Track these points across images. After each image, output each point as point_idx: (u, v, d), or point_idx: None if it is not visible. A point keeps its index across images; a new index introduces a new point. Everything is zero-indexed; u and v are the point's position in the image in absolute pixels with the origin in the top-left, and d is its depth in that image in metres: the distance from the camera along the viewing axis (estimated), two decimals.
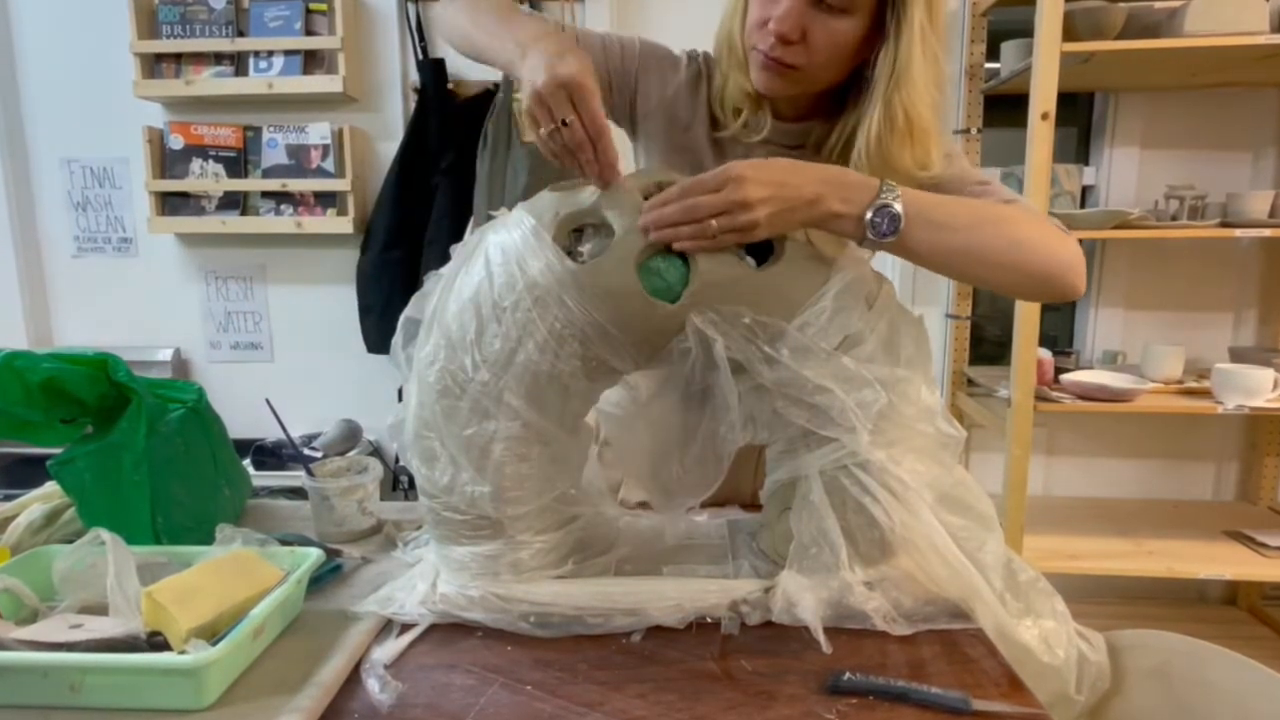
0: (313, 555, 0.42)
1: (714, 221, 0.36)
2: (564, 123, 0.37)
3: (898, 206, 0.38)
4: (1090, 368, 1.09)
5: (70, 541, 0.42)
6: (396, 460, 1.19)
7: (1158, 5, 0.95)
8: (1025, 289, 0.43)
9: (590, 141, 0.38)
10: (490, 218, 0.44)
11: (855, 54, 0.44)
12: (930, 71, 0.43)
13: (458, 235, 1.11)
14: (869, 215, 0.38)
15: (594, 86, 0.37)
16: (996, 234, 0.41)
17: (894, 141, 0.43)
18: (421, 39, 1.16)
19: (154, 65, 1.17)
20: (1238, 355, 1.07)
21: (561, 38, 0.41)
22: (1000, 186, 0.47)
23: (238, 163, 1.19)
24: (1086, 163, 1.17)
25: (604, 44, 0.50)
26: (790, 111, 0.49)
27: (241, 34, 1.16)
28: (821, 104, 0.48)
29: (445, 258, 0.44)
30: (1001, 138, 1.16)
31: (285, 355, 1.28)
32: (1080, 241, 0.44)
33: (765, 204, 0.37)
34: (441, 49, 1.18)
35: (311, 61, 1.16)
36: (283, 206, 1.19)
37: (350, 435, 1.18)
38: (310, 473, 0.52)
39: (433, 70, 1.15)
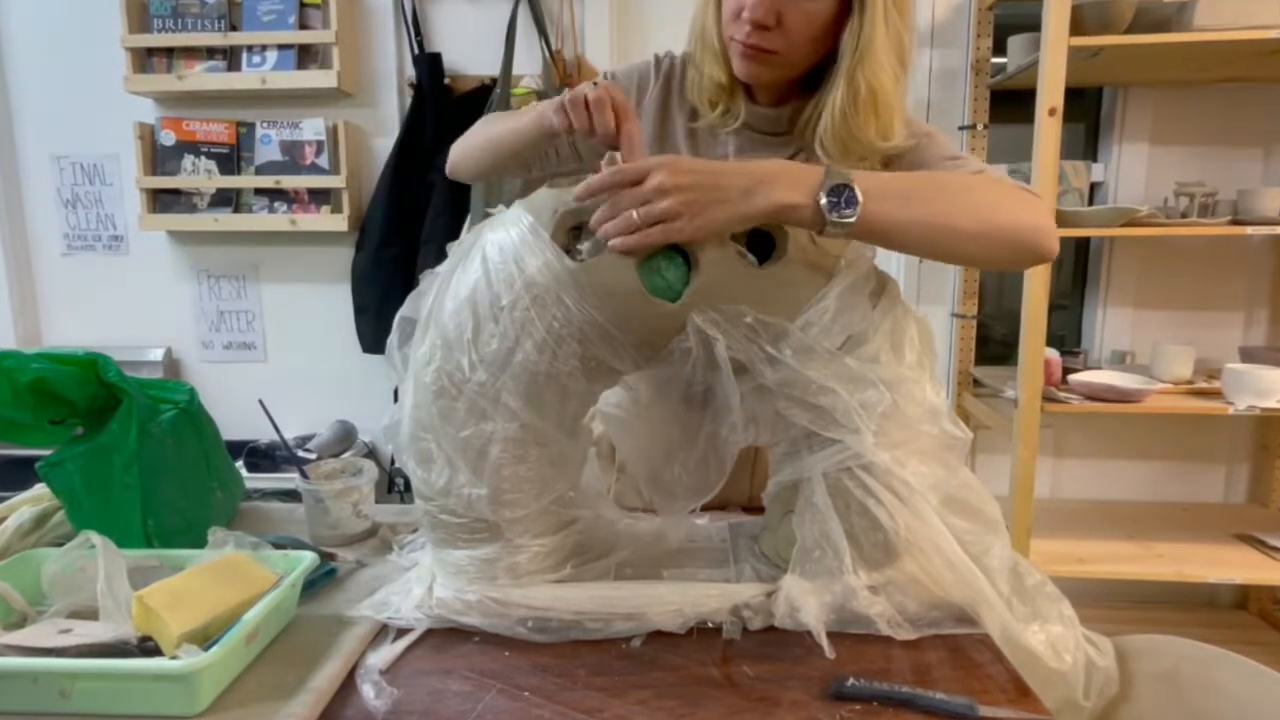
0: (307, 559, 0.42)
1: (635, 212, 0.36)
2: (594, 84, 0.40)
3: (852, 184, 0.37)
4: (1098, 368, 1.08)
5: (60, 545, 0.41)
6: (392, 462, 1.19)
7: None
8: (998, 257, 0.42)
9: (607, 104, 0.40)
10: (487, 215, 0.44)
11: (828, 33, 0.45)
12: (893, 46, 0.44)
13: (454, 233, 1.11)
14: (823, 198, 0.37)
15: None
16: (961, 202, 0.40)
17: (858, 115, 0.44)
18: (417, 33, 1.16)
19: (145, 60, 1.16)
20: (1248, 355, 1.05)
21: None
22: (972, 160, 0.48)
23: (230, 159, 1.18)
24: (1095, 159, 1.16)
25: None
26: (767, 97, 0.50)
27: (234, 28, 1.15)
28: (797, 87, 0.48)
29: (442, 256, 0.44)
30: (1008, 134, 1.14)
31: (279, 355, 1.28)
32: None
33: (682, 191, 0.36)
34: (438, 44, 1.17)
35: (305, 56, 1.15)
36: (276, 204, 1.18)
37: (345, 437, 1.17)
38: (304, 475, 0.52)
39: (429, 65, 1.14)
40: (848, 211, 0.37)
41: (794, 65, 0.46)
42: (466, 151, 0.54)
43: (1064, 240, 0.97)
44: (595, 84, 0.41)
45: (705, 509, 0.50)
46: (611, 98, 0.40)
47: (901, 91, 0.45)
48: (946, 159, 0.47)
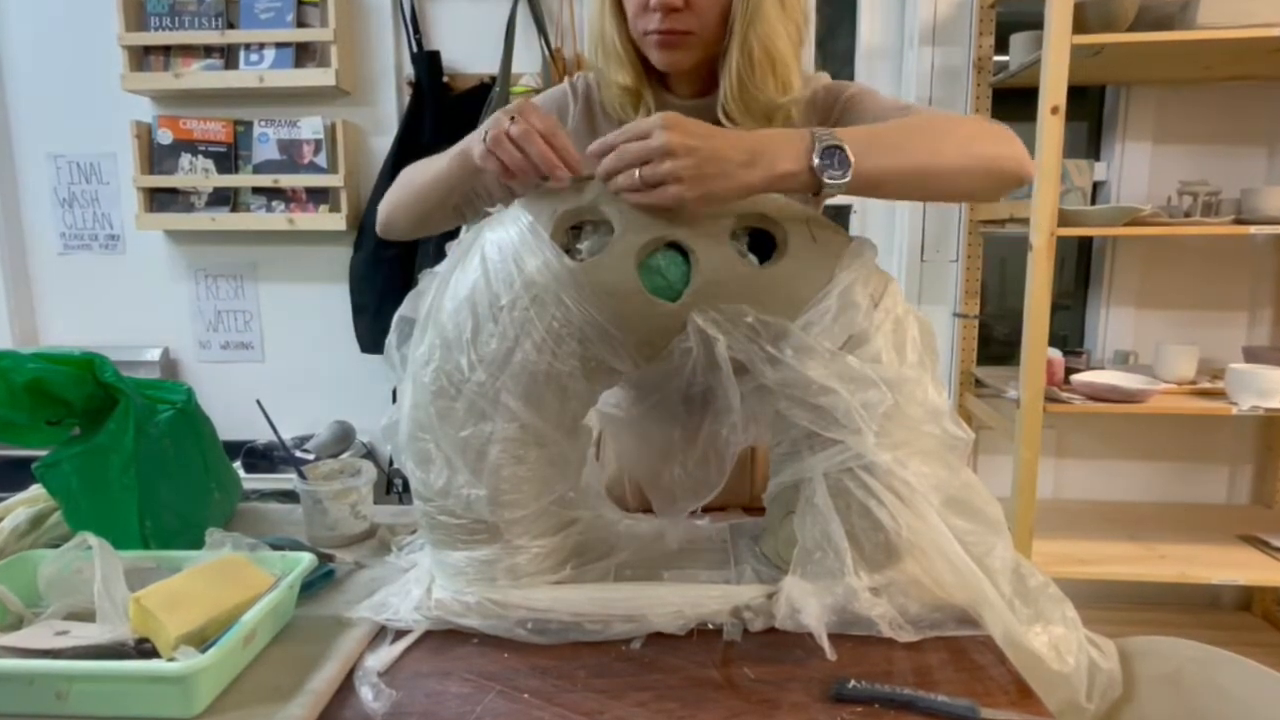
0: (305, 560, 0.41)
1: (638, 171, 0.36)
2: (511, 119, 0.38)
3: (842, 144, 0.38)
4: (1101, 368, 1.07)
5: (56, 546, 0.41)
6: (390, 463, 1.18)
7: None
8: (981, 187, 0.43)
9: (540, 135, 0.38)
10: (487, 214, 0.43)
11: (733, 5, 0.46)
12: (784, 7, 0.45)
13: (453, 232, 1.09)
14: (816, 160, 0.37)
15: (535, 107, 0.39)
16: (941, 143, 0.41)
17: (754, 75, 0.45)
18: (416, 31, 1.15)
19: (142, 58, 1.16)
20: (1252, 355, 1.05)
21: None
22: (922, 107, 0.49)
23: (228, 158, 1.17)
24: (1097, 158, 1.15)
25: None
26: (689, 89, 0.50)
27: (232, 26, 1.14)
28: (714, 75, 0.48)
29: (440, 255, 0.43)
30: None
31: (277, 355, 1.27)
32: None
33: (688, 154, 0.35)
34: (437, 42, 1.17)
35: (303, 54, 1.15)
36: (274, 203, 1.18)
37: (343, 437, 1.17)
38: (302, 475, 0.52)
39: (427, 63, 1.14)
40: (840, 171, 0.37)
41: (709, 44, 0.46)
42: (395, 209, 0.51)
43: (1067, 240, 0.97)
44: (512, 118, 0.38)
45: (706, 510, 0.50)
46: (535, 126, 0.38)
47: (798, 50, 0.46)
48: (897, 109, 0.47)
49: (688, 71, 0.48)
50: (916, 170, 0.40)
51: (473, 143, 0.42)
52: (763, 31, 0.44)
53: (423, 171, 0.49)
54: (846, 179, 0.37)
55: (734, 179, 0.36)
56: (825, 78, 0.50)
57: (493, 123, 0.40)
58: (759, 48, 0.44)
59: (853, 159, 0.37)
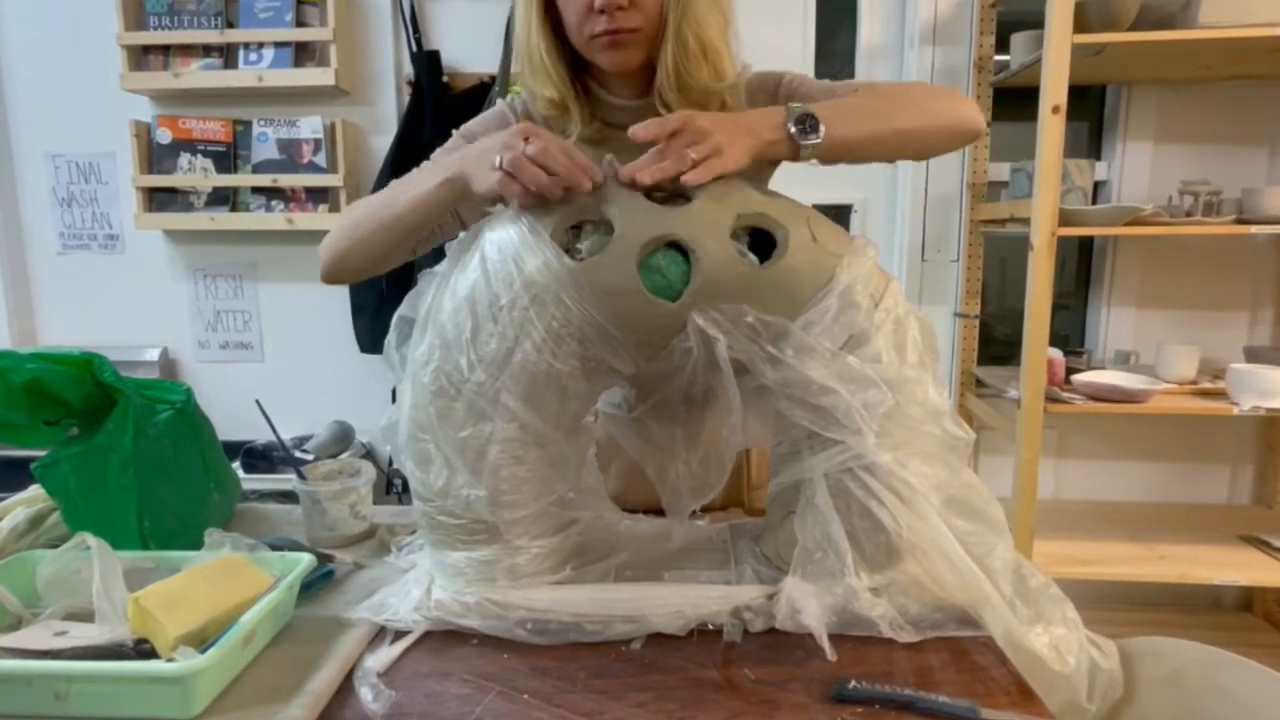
0: (304, 560, 0.41)
1: (692, 151, 0.39)
2: (525, 140, 0.39)
3: (814, 112, 0.42)
4: (1102, 368, 1.07)
5: (55, 546, 0.42)
6: (390, 463, 1.18)
7: None
8: (942, 144, 0.48)
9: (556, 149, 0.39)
10: (486, 214, 0.43)
11: None
12: (714, 2, 0.48)
13: None
14: (793, 128, 0.41)
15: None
16: (901, 108, 0.46)
17: (689, 63, 0.47)
18: (415, 30, 1.15)
19: (141, 57, 1.16)
20: (1253, 355, 1.05)
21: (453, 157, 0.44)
22: (858, 81, 0.52)
23: (227, 158, 1.17)
24: (1098, 158, 1.15)
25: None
26: (629, 90, 0.51)
27: (231, 25, 1.14)
28: (652, 75, 0.49)
29: (440, 255, 0.43)
30: (1011, 132, 1.14)
31: (276, 355, 1.27)
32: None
33: (717, 130, 0.40)
34: (437, 41, 1.17)
35: (303, 53, 1.15)
36: (273, 202, 1.18)
37: (342, 437, 1.16)
38: (301, 475, 0.52)
39: (427, 62, 1.14)
40: (814, 135, 0.42)
41: (653, 39, 0.48)
42: (350, 246, 0.47)
43: (1067, 239, 0.97)
44: (526, 139, 0.38)
45: (705, 510, 0.50)
46: (549, 142, 0.39)
47: (726, 38, 0.49)
48: (832, 87, 0.50)
49: (633, 71, 0.49)
50: (883, 132, 0.44)
51: (465, 168, 0.41)
52: (695, 22, 0.46)
53: (386, 206, 0.45)
54: (820, 141, 0.41)
55: (746, 141, 0.41)
56: (750, 68, 0.52)
57: (506, 150, 0.39)
58: (693, 38, 0.46)
59: (824, 125, 0.41)
